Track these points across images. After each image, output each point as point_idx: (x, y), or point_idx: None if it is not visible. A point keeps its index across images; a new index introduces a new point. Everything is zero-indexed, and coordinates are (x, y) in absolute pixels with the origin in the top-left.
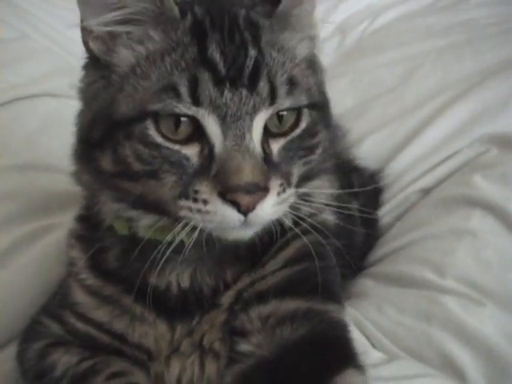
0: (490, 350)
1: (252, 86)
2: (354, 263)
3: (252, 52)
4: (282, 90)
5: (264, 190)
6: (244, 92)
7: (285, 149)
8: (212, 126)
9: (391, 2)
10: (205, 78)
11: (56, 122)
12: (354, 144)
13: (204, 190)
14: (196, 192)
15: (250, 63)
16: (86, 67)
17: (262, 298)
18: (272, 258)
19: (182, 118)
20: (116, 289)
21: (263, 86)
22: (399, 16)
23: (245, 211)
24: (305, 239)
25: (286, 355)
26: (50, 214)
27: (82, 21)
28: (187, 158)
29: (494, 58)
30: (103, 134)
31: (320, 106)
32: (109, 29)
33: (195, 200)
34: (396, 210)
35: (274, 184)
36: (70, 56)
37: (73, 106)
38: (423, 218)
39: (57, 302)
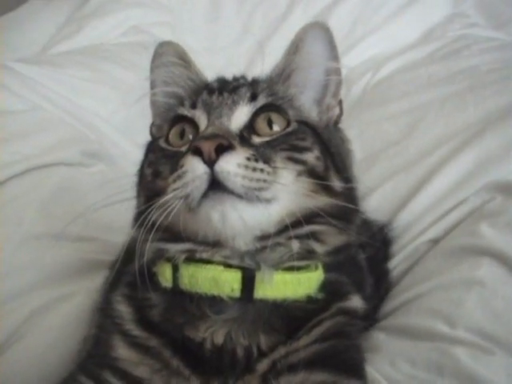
0: None
1: (234, 91)
2: (365, 315)
3: (242, 80)
4: (262, 94)
5: (226, 141)
6: (226, 94)
7: (268, 142)
8: (202, 119)
9: (394, 52)
10: (202, 93)
11: (69, 190)
12: (362, 197)
13: (183, 159)
14: (180, 166)
15: (236, 83)
16: (148, 152)
17: (292, 368)
18: (306, 334)
19: (186, 127)
20: (159, 341)
21: (244, 91)
22: (402, 66)
23: (207, 159)
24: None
25: None
26: (68, 282)
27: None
28: (180, 151)
29: (496, 104)
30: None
31: (314, 128)
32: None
33: (177, 170)
34: (406, 261)
35: (244, 149)
36: (80, 124)
37: (85, 174)
38: (433, 268)
39: (96, 360)
